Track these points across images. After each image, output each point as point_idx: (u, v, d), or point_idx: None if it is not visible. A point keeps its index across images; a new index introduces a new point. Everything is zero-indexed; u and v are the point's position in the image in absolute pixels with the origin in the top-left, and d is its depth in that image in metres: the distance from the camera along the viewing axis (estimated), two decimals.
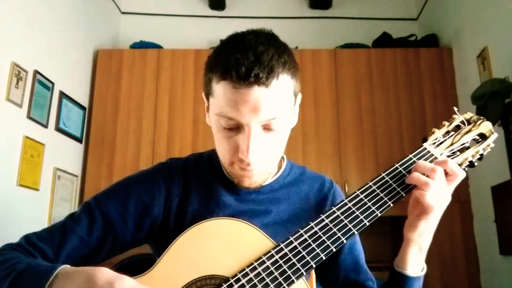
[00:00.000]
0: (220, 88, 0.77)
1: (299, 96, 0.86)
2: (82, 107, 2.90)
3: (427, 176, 0.76)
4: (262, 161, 0.80)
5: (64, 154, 2.69)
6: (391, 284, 0.83)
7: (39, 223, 2.40)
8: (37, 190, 2.39)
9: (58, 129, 2.61)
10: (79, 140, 2.86)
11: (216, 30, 3.41)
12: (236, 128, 0.78)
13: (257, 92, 0.74)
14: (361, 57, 3.04)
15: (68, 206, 2.68)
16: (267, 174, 0.89)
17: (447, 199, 0.77)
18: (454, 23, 2.96)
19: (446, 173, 0.77)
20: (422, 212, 0.76)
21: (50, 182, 2.52)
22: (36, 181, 2.37)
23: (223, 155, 0.84)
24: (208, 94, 0.82)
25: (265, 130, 0.78)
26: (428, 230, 0.78)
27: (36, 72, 2.38)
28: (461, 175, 0.77)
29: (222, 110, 0.77)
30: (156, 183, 0.89)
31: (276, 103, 0.77)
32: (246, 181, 0.84)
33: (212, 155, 0.96)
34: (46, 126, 2.49)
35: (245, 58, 0.73)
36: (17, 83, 2.22)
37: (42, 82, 2.45)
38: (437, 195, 0.74)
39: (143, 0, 3.62)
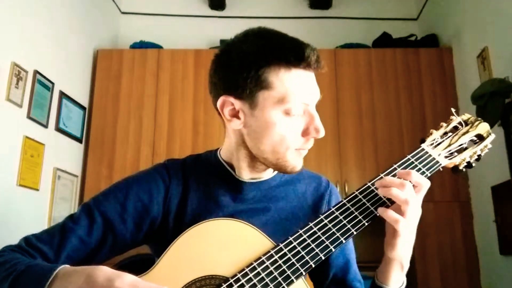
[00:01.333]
0: (289, 76, 0.80)
1: None
2: (82, 107, 2.90)
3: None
4: None
5: (64, 154, 2.69)
6: None
7: (39, 223, 2.40)
8: (37, 190, 2.39)
9: (58, 129, 2.61)
10: (79, 140, 2.86)
11: (216, 30, 3.42)
12: (299, 113, 0.82)
13: (316, 75, 0.84)
14: (361, 57, 3.03)
15: (68, 206, 2.68)
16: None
17: (418, 211, 0.75)
18: (454, 23, 2.96)
19: (413, 185, 0.75)
20: (395, 230, 0.74)
21: (50, 182, 2.52)
22: (36, 181, 2.37)
23: (288, 144, 0.82)
24: (256, 89, 0.80)
25: None
26: (406, 246, 0.77)
27: (36, 72, 2.39)
28: (426, 185, 0.76)
29: (293, 97, 0.80)
30: (155, 183, 0.89)
31: None
32: (299, 165, 0.86)
33: (210, 156, 0.96)
34: (46, 126, 2.49)
35: (306, 45, 0.80)
36: (17, 83, 2.22)
37: (42, 82, 2.45)
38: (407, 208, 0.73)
39: (143, 0, 3.62)
